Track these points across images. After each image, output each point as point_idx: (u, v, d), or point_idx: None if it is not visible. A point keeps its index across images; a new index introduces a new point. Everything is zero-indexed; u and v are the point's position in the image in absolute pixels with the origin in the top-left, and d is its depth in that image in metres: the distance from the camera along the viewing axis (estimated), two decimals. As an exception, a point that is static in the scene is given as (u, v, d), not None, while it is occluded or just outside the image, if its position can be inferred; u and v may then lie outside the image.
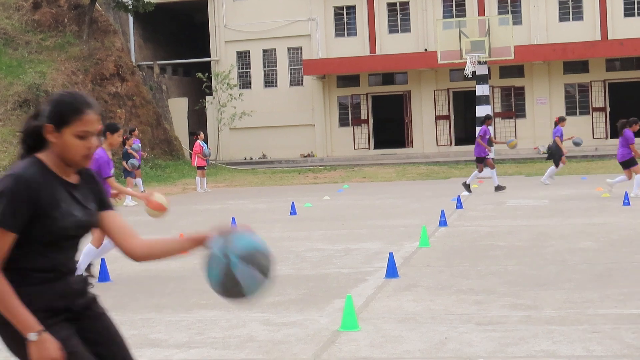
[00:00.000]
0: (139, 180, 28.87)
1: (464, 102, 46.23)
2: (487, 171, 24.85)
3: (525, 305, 9.03)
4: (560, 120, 26.21)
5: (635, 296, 9.28)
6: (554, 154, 26.19)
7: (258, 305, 9.66)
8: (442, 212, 17.19)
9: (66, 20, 42.52)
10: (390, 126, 46.93)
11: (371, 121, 45.99)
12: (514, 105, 44.92)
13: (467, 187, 24.21)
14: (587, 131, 42.53)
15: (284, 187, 31.48)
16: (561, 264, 11.67)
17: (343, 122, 46.46)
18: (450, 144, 45.24)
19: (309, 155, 45.90)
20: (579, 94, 44.53)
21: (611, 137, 43.28)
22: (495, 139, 24.00)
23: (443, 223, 16.71)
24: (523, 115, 44.76)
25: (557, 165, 26.14)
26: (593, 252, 12.61)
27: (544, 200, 21.33)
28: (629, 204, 19.04)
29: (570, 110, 44.24)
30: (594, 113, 43.97)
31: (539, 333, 7.81)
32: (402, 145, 45.89)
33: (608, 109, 44.18)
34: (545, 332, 7.84)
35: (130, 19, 46.38)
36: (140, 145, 28.67)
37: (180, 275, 12.17)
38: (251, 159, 46.36)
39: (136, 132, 29.33)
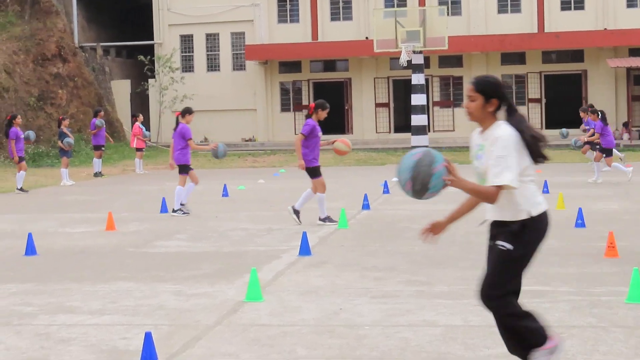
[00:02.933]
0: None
1: (404, 90, 46.95)
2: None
3: (420, 282, 9.72)
4: None
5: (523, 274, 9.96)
6: None
7: (173, 278, 10.26)
8: (365, 196, 17.90)
9: (8, 0, 42.54)
10: (330, 112, 47.12)
11: (312, 107, 46.51)
12: (452, 94, 45.79)
13: None
14: (522, 121, 43.35)
15: (223, 170, 31.96)
16: (466, 244, 12.39)
17: (284, 108, 46.99)
18: (390, 132, 46.00)
19: (250, 140, 46.38)
20: (515, 85, 45.47)
21: (547, 128, 44.38)
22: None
23: (366, 206, 17.41)
24: (461, 105, 45.56)
25: None
26: (499, 235, 13.33)
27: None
28: (547, 192, 19.85)
29: (507, 100, 45.17)
30: (530, 104, 44.94)
31: (426, 306, 8.49)
32: (343, 132, 46.47)
33: (544, 100, 45.23)
34: (432, 305, 8.52)
35: (74, 0, 46.44)
36: (103, 122, 29.19)
37: (102, 251, 12.70)
38: (193, 142, 46.61)
39: (102, 113, 29.80)
